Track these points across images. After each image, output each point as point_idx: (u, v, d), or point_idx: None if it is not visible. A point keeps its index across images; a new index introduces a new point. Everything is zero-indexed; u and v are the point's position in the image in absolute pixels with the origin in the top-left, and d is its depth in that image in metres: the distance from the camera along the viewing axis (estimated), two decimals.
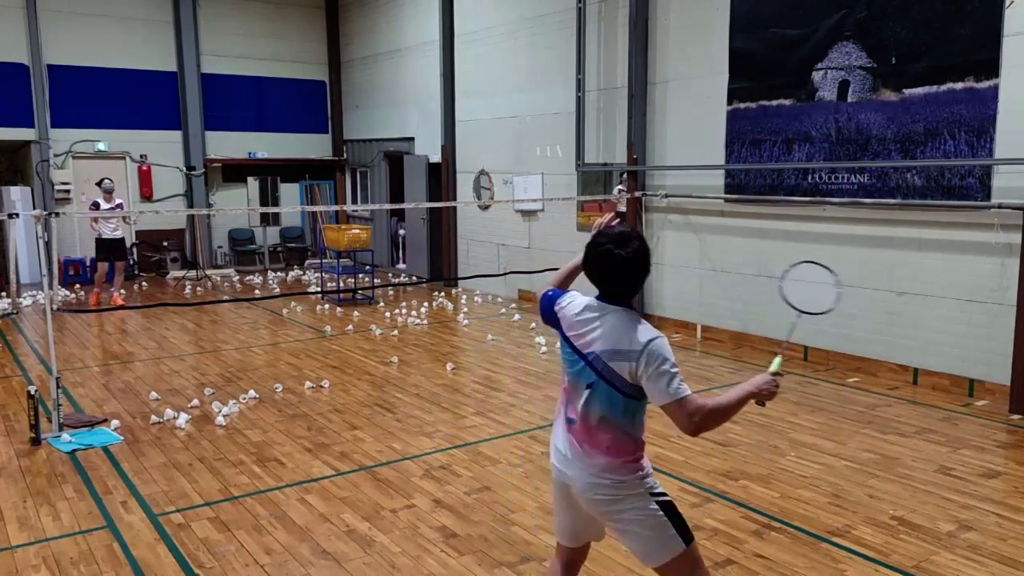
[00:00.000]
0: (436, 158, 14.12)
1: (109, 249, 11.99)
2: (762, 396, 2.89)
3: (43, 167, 14.56)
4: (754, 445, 5.94)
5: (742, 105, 8.91)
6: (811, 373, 8.01)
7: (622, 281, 2.78)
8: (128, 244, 15.31)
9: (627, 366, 2.70)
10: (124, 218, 12.06)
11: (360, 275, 13.71)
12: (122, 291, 12.35)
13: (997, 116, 6.82)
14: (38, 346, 9.44)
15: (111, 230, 11.90)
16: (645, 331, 2.72)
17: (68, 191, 14.70)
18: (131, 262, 15.22)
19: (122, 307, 11.70)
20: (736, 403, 2.78)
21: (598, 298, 2.83)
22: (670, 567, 2.81)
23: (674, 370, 2.67)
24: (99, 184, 12.10)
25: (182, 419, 6.53)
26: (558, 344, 2.99)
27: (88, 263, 14.53)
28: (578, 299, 2.89)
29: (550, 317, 2.97)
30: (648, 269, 2.82)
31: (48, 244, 6.44)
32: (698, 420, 2.70)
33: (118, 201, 12.23)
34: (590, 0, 10.68)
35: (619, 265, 2.74)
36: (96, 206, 11.86)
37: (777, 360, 3.01)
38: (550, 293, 3.04)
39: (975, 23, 6.92)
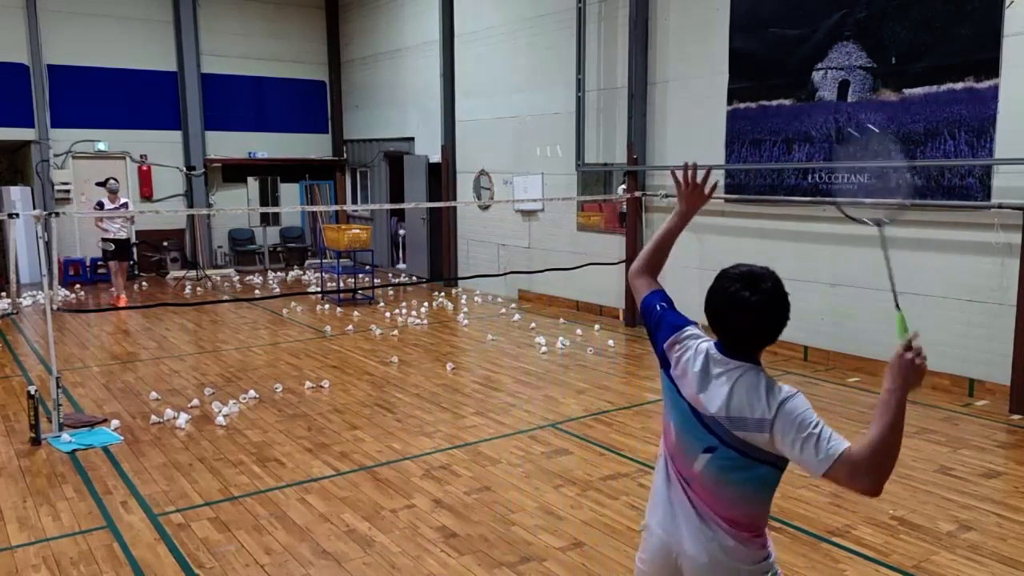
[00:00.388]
0: (436, 158, 14.12)
1: (115, 248, 12.02)
2: (914, 383, 2.08)
3: (43, 167, 14.56)
4: None
5: (742, 105, 8.91)
6: (811, 373, 8.01)
7: (753, 333, 2.26)
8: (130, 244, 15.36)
9: (760, 437, 2.18)
10: (129, 218, 12.01)
11: (360, 275, 13.70)
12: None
13: (997, 116, 6.81)
14: (38, 346, 9.44)
15: (116, 230, 11.92)
16: (775, 392, 2.19)
17: (68, 191, 14.70)
18: (131, 262, 15.22)
19: (121, 307, 11.70)
20: (897, 419, 2.06)
21: (720, 349, 2.31)
22: None
23: (817, 430, 2.11)
24: (104, 184, 12.09)
25: (182, 419, 6.53)
26: (660, 381, 2.48)
27: (88, 263, 14.55)
28: (700, 346, 2.35)
29: (659, 342, 2.44)
30: (787, 317, 2.28)
31: (48, 244, 6.44)
32: (867, 474, 2.07)
33: (123, 200, 12.23)
34: (590, 0, 10.68)
35: (751, 313, 2.22)
36: (100, 206, 11.86)
37: (900, 319, 2.26)
38: (659, 309, 2.48)
39: (975, 23, 6.92)
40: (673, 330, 2.41)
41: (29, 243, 13.52)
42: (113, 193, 11.98)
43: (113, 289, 12.31)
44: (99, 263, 13.97)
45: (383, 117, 16.04)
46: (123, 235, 12.07)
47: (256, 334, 10.18)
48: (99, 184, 12.29)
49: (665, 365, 2.40)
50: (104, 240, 12.01)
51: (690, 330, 2.41)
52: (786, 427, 2.13)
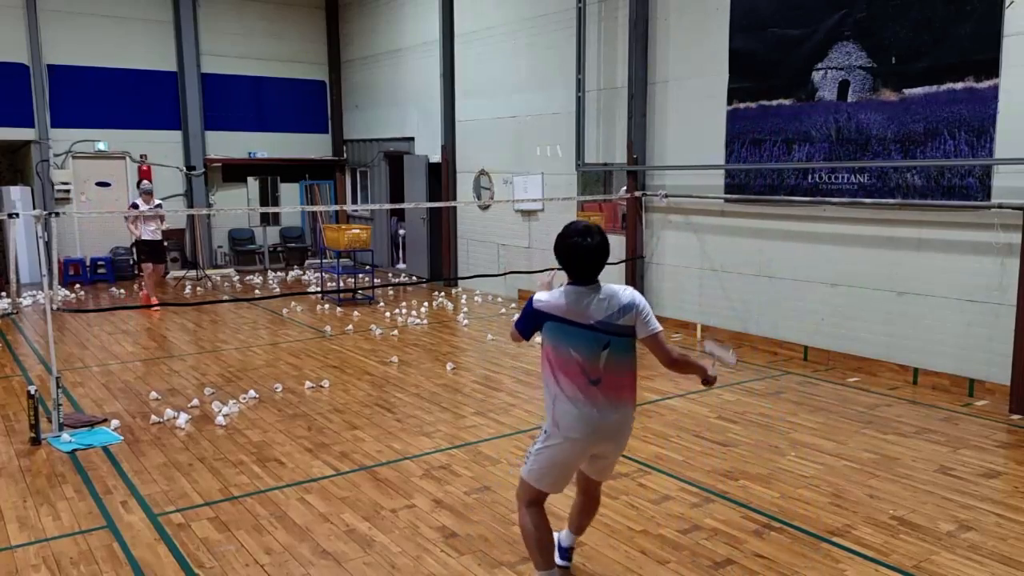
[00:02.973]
0: (436, 158, 14.13)
1: (149, 250, 12.00)
2: (709, 382, 3.84)
3: (43, 167, 14.56)
4: (754, 445, 5.94)
5: (742, 105, 8.91)
6: (811, 373, 8.01)
7: (594, 266, 3.50)
8: (129, 243, 15.34)
9: (629, 316, 3.50)
10: (161, 218, 11.95)
11: (360, 275, 13.71)
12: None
13: (997, 116, 6.81)
14: (38, 346, 9.44)
15: (151, 232, 11.86)
16: (623, 289, 3.57)
17: (68, 191, 14.70)
18: (131, 262, 15.22)
19: (126, 307, 11.72)
20: (696, 367, 3.83)
21: (573, 284, 3.50)
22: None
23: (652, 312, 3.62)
24: (138, 185, 12.10)
25: (182, 419, 6.53)
26: (539, 339, 3.61)
27: (88, 263, 14.54)
28: (554, 294, 3.51)
29: (533, 318, 3.54)
30: (608, 252, 3.57)
31: (48, 244, 6.44)
32: (678, 354, 3.73)
33: (157, 202, 12.11)
34: (590, 0, 10.68)
35: (590, 252, 3.47)
36: (135, 207, 11.87)
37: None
38: (529, 307, 3.57)
39: (975, 23, 6.92)
40: (531, 302, 3.55)
41: (29, 243, 13.52)
42: (148, 194, 11.92)
43: (144, 291, 12.25)
44: (132, 263, 14.08)
45: (383, 117, 16.04)
46: (158, 237, 11.98)
47: (256, 334, 10.18)
48: (136, 186, 12.25)
49: (543, 319, 3.50)
50: (139, 242, 11.99)
51: (541, 295, 3.54)
52: (640, 308, 3.55)
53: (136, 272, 15.28)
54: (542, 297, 3.51)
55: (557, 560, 3.89)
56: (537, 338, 3.64)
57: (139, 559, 4.26)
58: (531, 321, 3.56)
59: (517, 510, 3.76)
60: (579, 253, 3.46)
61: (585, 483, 3.86)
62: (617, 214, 10.71)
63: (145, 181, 12.11)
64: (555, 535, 3.88)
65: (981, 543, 4.37)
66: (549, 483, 3.62)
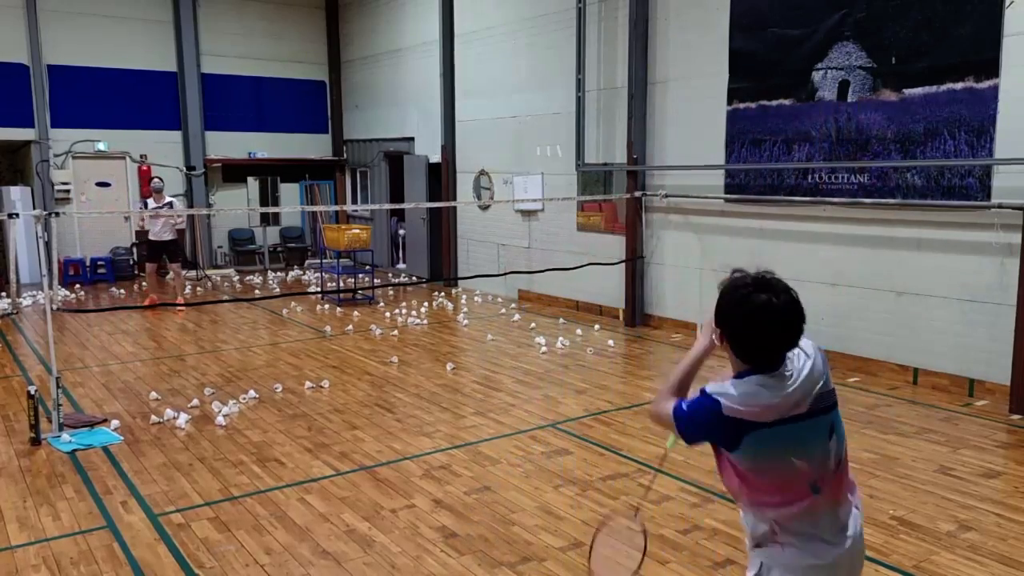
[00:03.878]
0: (436, 158, 14.12)
1: (159, 250, 11.96)
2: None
3: (43, 167, 14.56)
4: None
5: (742, 105, 8.91)
6: None
7: (796, 336, 2.29)
8: (129, 243, 15.34)
9: (828, 375, 2.36)
10: (173, 219, 11.86)
11: (360, 275, 13.71)
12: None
13: (997, 116, 6.81)
14: (38, 346, 9.44)
15: (157, 231, 11.79)
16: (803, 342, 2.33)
17: (68, 191, 14.70)
18: (130, 262, 15.21)
19: (126, 307, 11.72)
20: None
21: (762, 372, 2.29)
22: None
23: None
24: (150, 183, 12.07)
25: (182, 419, 6.53)
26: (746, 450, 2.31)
27: (88, 263, 14.54)
28: (748, 390, 2.27)
29: (719, 428, 2.32)
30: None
31: (48, 244, 6.44)
32: None
33: (167, 200, 11.94)
34: (590, 0, 10.68)
35: (795, 317, 2.28)
36: (145, 206, 11.85)
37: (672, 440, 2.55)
38: (706, 406, 2.33)
39: (975, 23, 6.92)
40: (725, 419, 2.26)
41: (29, 243, 13.51)
42: (158, 192, 11.80)
43: (148, 289, 12.26)
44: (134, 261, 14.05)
45: (383, 117, 16.03)
46: (166, 236, 11.84)
47: (256, 334, 10.18)
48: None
49: (742, 430, 2.25)
50: (147, 241, 11.96)
51: (730, 406, 2.27)
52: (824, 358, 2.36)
53: (136, 272, 15.31)
54: (727, 393, 2.28)
55: None
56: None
57: (139, 559, 4.26)
58: (714, 431, 2.34)
59: None
60: (776, 321, 2.27)
61: None
62: (617, 214, 10.71)
63: (156, 179, 12.00)
64: None
65: (981, 543, 4.37)
66: None
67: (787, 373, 2.26)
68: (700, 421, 2.34)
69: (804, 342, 2.30)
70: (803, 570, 2.28)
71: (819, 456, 2.28)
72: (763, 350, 2.26)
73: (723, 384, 2.30)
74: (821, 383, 2.27)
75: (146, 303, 11.82)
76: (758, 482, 2.30)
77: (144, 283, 12.38)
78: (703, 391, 2.33)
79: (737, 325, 2.30)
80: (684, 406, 2.37)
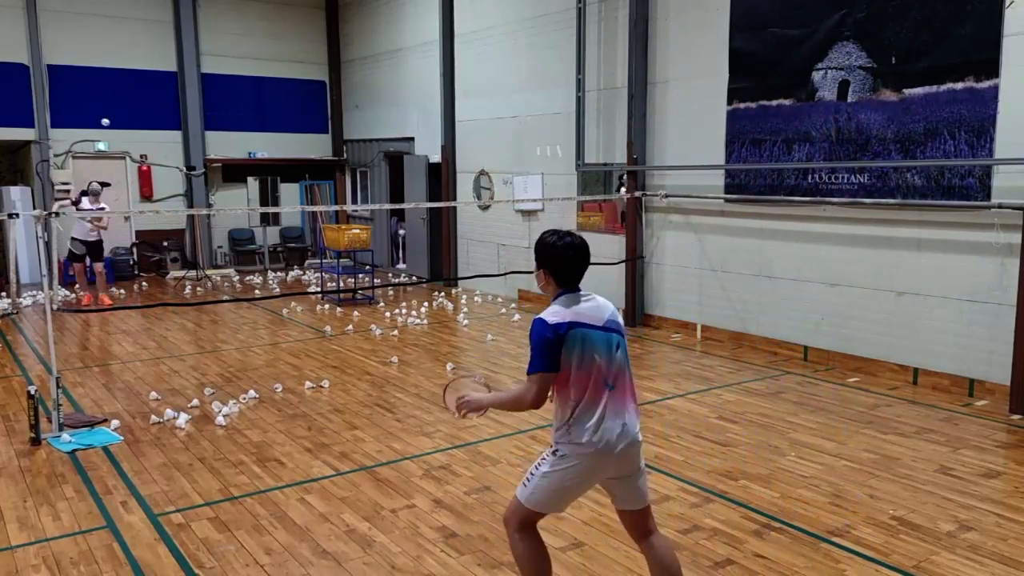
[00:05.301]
0: (436, 158, 14.12)
1: (84, 251, 11.85)
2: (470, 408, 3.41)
3: (43, 167, 14.56)
4: (754, 445, 5.94)
5: (742, 105, 8.91)
6: (811, 373, 8.01)
7: (585, 266, 3.35)
8: (130, 243, 15.35)
9: (619, 318, 3.38)
10: (96, 220, 11.66)
11: (360, 275, 13.70)
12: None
13: (997, 116, 6.81)
14: (38, 346, 9.44)
15: (83, 232, 11.72)
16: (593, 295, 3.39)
17: (68, 191, 14.69)
18: (131, 262, 15.21)
19: (126, 307, 11.71)
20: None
21: (569, 292, 3.30)
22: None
23: None
24: (88, 186, 12.03)
25: (182, 419, 6.53)
26: (567, 351, 3.17)
27: (88, 263, 14.52)
28: (556, 308, 3.24)
29: (555, 342, 3.15)
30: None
31: (48, 244, 6.44)
32: None
33: (102, 205, 11.94)
34: (590, 0, 10.68)
35: (581, 251, 3.32)
36: (78, 201, 11.73)
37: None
38: (546, 331, 3.19)
39: (975, 23, 6.92)
40: (554, 329, 3.17)
41: (29, 243, 13.52)
42: (95, 196, 11.79)
43: (83, 289, 12.20)
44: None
45: (383, 117, 16.03)
46: (93, 237, 11.79)
47: (256, 334, 10.18)
48: (99, 184, 12.21)
49: (565, 331, 3.17)
50: (71, 239, 11.89)
51: (550, 312, 3.23)
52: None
53: (135, 272, 15.31)
54: (551, 315, 3.19)
55: None
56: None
57: (139, 559, 4.26)
58: (554, 345, 3.14)
59: (508, 537, 3.44)
60: (570, 254, 3.28)
61: (636, 525, 3.46)
62: (617, 214, 10.71)
63: (94, 183, 11.91)
64: None
65: (981, 543, 4.37)
66: (554, 505, 3.38)
67: (582, 294, 3.31)
68: (543, 346, 3.16)
69: (604, 303, 3.34)
70: (591, 451, 3.19)
71: (609, 359, 3.24)
72: (566, 272, 3.29)
73: (545, 311, 3.25)
74: (610, 316, 3.29)
75: (86, 303, 11.82)
76: (576, 376, 3.17)
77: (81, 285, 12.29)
78: (534, 320, 3.22)
79: (551, 258, 3.29)
80: (531, 358, 3.19)
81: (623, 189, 10.30)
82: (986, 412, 6.73)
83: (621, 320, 3.37)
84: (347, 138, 17.46)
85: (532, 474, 3.31)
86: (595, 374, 3.19)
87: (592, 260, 3.47)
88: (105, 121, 14.98)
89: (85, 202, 11.76)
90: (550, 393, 3.22)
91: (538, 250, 3.34)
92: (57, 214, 7.61)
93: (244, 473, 5.47)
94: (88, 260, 12.01)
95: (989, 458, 5.66)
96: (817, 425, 6.39)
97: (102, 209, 11.84)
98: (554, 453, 3.26)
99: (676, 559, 3.44)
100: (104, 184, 12.20)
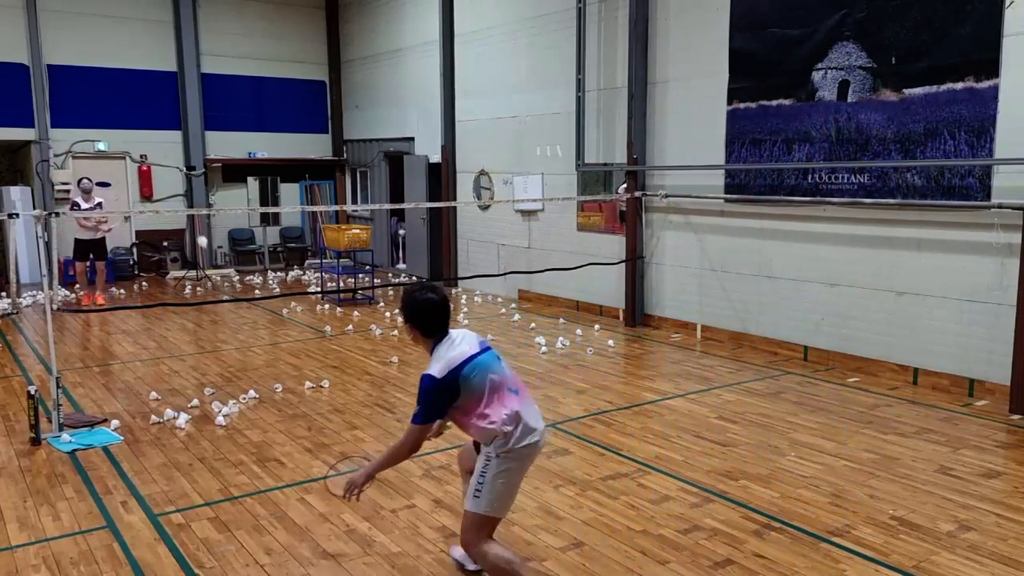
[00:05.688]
0: (436, 158, 14.12)
1: (88, 249, 11.91)
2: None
3: (43, 167, 14.56)
4: (754, 445, 5.94)
5: (742, 105, 8.91)
6: (811, 373, 8.01)
7: (448, 315, 3.72)
8: (130, 243, 15.35)
9: None
10: (101, 219, 11.76)
11: (360, 275, 13.70)
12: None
13: (997, 116, 6.81)
14: (38, 346, 9.44)
15: (87, 231, 11.78)
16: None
17: (68, 191, 14.69)
18: (131, 262, 15.22)
19: (126, 307, 11.71)
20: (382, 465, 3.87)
21: (440, 340, 3.66)
22: None
23: None
24: (78, 183, 12.06)
25: (182, 419, 6.53)
26: (468, 389, 3.57)
27: (88, 263, 14.53)
28: (440, 354, 3.61)
29: (447, 387, 3.55)
30: None
31: (48, 244, 6.44)
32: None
33: (97, 200, 11.97)
34: (590, 0, 10.68)
35: (446, 303, 3.71)
36: (76, 206, 11.75)
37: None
38: (435, 384, 3.57)
39: (975, 23, 6.92)
40: (450, 374, 3.56)
41: (29, 243, 13.52)
42: (87, 193, 11.82)
43: (83, 289, 12.23)
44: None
45: (383, 117, 16.03)
46: (93, 236, 11.83)
47: (256, 334, 10.18)
48: (76, 184, 12.20)
49: (462, 368, 3.56)
50: (74, 240, 11.94)
51: (441, 366, 3.56)
52: None
53: (135, 272, 15.31)
54: (439, 370, 3.53)
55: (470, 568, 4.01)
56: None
57: (139, 559, 4.26)
58: (445, 391, 3.52)
59: (475, 559, 3.66)
60: (438, 306, 3.67)
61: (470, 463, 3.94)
62: (616, 214, 10.71)
63: (85, 179, 11.93)
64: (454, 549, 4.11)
65: (981, 543, 4.37)
66: (508, 506, 3.71)
67: (453, 337, 3.67)
68: (433, 399, 3.55)
69: (466, 332, 3.76)
70: (522, 449, 3.55)
71: (501, 371, 3.65)
72: (433, 324, 3.65)
73: (431, 366, 3.56)
74: (479, 341, 3.71)
75: (84, 303, 11.82)
76: (485, 403, 3.54)
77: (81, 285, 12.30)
78: (423, 376, 3.56)
79: (419, 313, 3.64)
80: (417, 410, 3.61)
81: (621, 188, 10.30)
82: (986, 412, 6.73)
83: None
84: (347, 138, 17.46)
85: (481, 483, 3.56)
86: (499, 386, 3.59)
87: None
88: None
89: (81, 202, 11.77)
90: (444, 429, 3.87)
91: (407, 310, 3.68)
92: (57, 214, 7.60)
93: (244, 473, 5.47)
94: (92, 258, 12.03)
95: (989, 458, 5.67)
96: (817, 425, 6.39)
97: (98, 205, 11.85)
98: (497, 457, 3.55)
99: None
100: (103, 184, 12.20)
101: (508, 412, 3.53)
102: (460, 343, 3.63)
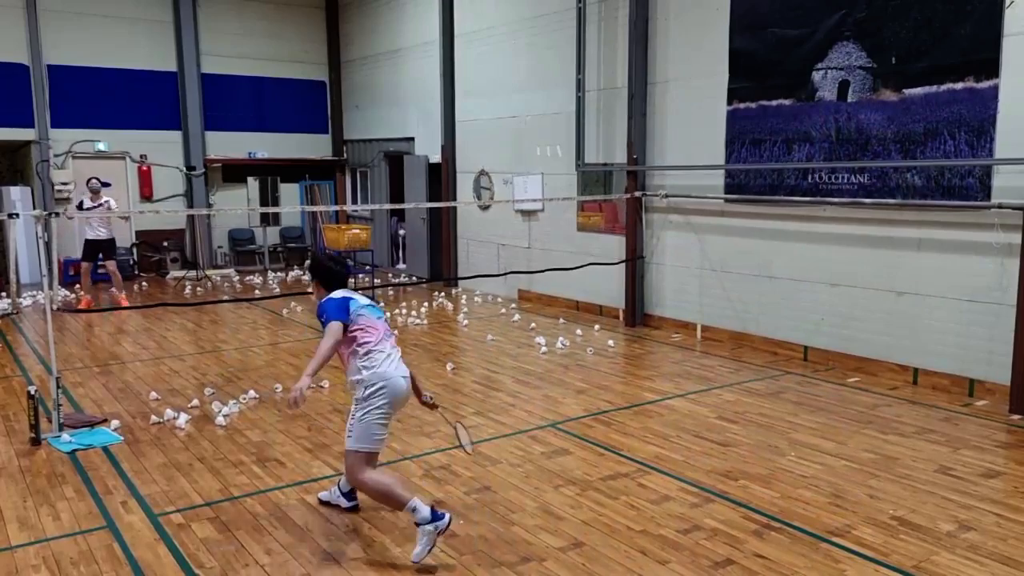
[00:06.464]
0: (436, 158, 14.12)
1: (96, 249, 11.90)
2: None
3: (43, 167, 14.56)
4: (754, 445, 5.94)
5: (742, 105, 8.91)
6: (811, 373, 8.01)
7: (347, 273, 4.82)
8: (130, 243, 15.36)
9: None
10: (111, 218, 11.82)
11: (360, 275, 13.70)
12: (117, 290, 12.34)
13: (997, 116, 6.81)
14: (38, 346, 9.44)
15: (95, 231, 11.77)
16: None
17: (68, 191, 14.70)
18: (131, 262, 15.22)
19: (122, 307, 11.70)
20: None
21: (339, 288, 4.65)
22: None
23: None
24: (87, 183, 12.06)
25: (182, 419, 6.53)
26: (358, 309, 4.45)
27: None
28: (346, 294, 4.57)
29: (345, 304, 4.45)
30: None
31: (48, 244, 6.44)
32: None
33: (103, 200, 11.92)
34: (590, 0, 10.68)
35: (347, 268, 4.88)
36: (80, 206, 11.78)
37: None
38: (342, 315, 4.42)
39: (975, 23, 6.92)
40: (343, 304, 4.48)
41: (29, 243, 13.51)
42: (94, 193, 11.81)
43: (83, 291, 12.21)
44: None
45: (383, 117, 16.04)
46: (103, 235, 11.81)
47: (256, 334, 10.18)
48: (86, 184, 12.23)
49: (348, 307, 4.46)
50: (86, 241, 11.94)
51: (343, 298, 4.51)
52: None
53: (135, 272, 15.32)
54: (335, 294, 4.53)
55: (347, 504, 4.83)
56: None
57: (139, 559, 4.26)
58: (342, 306, 4.41)
59: (361, 483, 4.31)
60: (343, 269, 4.75)
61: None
62: (617, 214, 10.70)
63: (93, 179, 11.94)
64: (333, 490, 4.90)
65: (981, 543, 4.37)
66: (383, 439, 4.41)
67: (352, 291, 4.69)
68: (336, 306, 4.41)
69: (360, 295, 4.64)
70: (391, 378, 4.36)
71: (382, 319, 4.57)
72: (333, 282, 4.66)
73: (328, 295, 4.56)
74: (369, 299, 4.63)
75: (81, 305, 11.76)
76: (365, 327, 4.41)
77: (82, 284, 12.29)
78: (326, 300, 4.51)
79: (327, 271, 4.68)
80: (325, 318, 4.38)
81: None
82: (986, 412, 6.73)
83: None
84: (347, 138, 17.46)
85: (352, 426, 4.33)
86: (379, 326, 4.46)
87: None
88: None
89: (87, 201, 11.77)
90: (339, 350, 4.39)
91: (314, 267, 4.76)
92: (58, 214, 7.60)
93: (244, 473, 5.47)
94: (100, 258, 12.02)
95: (989, 458, 5.67)
96: (817, 425, 6.39)
97: (104, 204, 11.79)
98: (365, 396, 4.30)
99: None
100: (104, 184, 12.20)
101: (377, 344, 4.40)
102: (353, 293, 4.59)
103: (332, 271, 4.66)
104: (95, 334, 10.24)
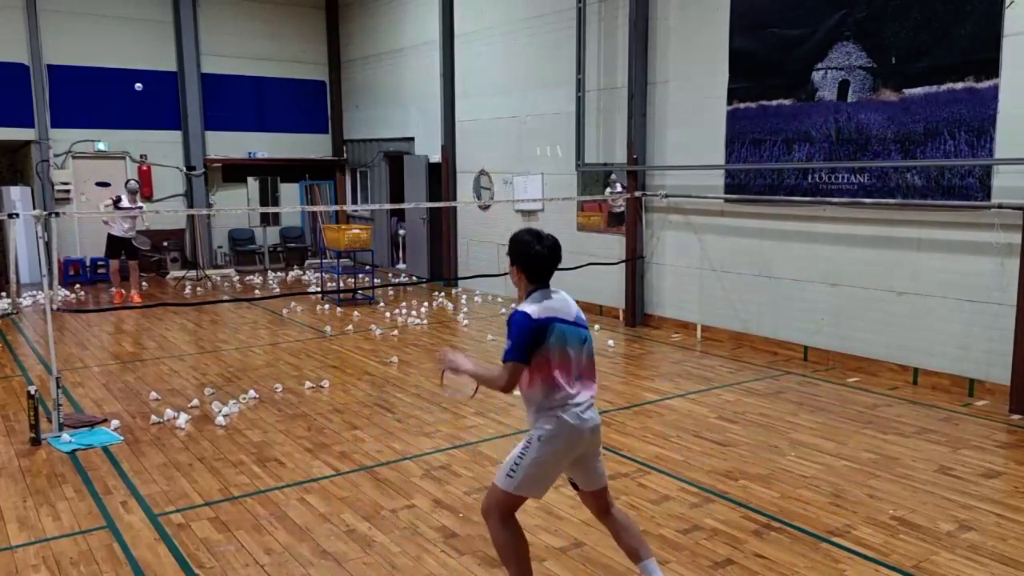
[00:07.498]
0: (436, 158, 14.12)
1: (121, 247, 12.29)
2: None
3: (43, 167, 14.56)
4: (754, 445, 5.94)
5: (742, 105, 8.91)
6: (811, 373, 8.01)
7: (555, 265, 3.62)
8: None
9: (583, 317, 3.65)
10: (135, 218, 12.32)
11: (360, 275, 13.70)
12: (144, 285, 12.57)
13: (997, 116, 6.81)
14: (38, 346, 9.44)
15: (122, 229, 12.17)
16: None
17: (68, 191, 14.70)
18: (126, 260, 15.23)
19: (122, 307, 11.72)
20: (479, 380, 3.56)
21: (542, 290, 3.55)
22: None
23: None
24: (126, 184, 12.57)
25: (182, 419, 6.53)
26: (548, 345, 3.43)
27: (88, 263, 14.56)
28: (533, 303, 3.49)
29: (537, 333, 3.40)
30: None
31: (48, 244, 6.44)
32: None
33: (140, 204, 12.47)
34: (590, 0, 10.68)
35: (554, 251, 3.59)
36: (118, 200, 12.07)
37: None
38: (530, 324, 3.42)
39: (975, 23, 6.92)
40: (536, 322, 3.42)
41: (29, 243, 13.51)
42: (132, 194, 12.29)
43: (114, 286, 12.64)
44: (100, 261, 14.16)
45: (383, 117, 16.04)
46: (131, 234, 12.31)
47: (256, 334, 10.18)
48: (98, 184, 12.41)
49: (545, 329, 3.41)
50: (108, 236, 12.31)
51: (530, 308, 3.45)
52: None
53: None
54: (530, 308, 3.43)
55: None
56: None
57: (139, 559, 4.26)
58: (534, 336, 3.37)
59: (489, 528, 3.56)
60: (543, 254, 3.55)
61: (594, 503, 3.73)
62: (607, 215, 10.69)
63: (132, 181, 12.44)
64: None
65: (981, 543, 4.37)
66: (539, 489, 3.55)
67: (552, 291, 3.56)
68: (524, 338, 3.37)
69: (567, 297, 3.62)
70: (566, 433, 3.43)
71: (579, 352, 3.52)
72: (538, 272, 3.54)
73: (523, 304, 3.48)
74: (576, 311, 3.58)
75: (116, 301, 12.18)
76: (555, 368, 3.41)
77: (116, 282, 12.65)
78: (515, 312, 3.46)
79: (523, 255, 3.53)
80: (508, 345, 3.39)
81: (608, 189, 10.31)
82: (986, 412, 6.73)
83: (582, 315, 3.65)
84: (347, 138, 17.46)
85: (518, 463, 3.46)
86: (568, 365, 3.48)
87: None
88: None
89: (125, 200, 12.10)
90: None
91: (513, 249, 3.56)
92: (58, 214, 7.59)
93: (244, 473, 5.47)
94: (123, 256, 12.42)
95: (989, 458, 5.67)
96: (817, 425, 6.39)
97: (140, 207, 12.35)
98: (538, 439, 3.45)
99: (635, 524, 3.86)
100: (104, 184, 12.30)
101: (566, 390, 3.43)
102: (557, 300, 3.53)
103: (530, 255, 3.51)
104: (95, 334, 10.23)
